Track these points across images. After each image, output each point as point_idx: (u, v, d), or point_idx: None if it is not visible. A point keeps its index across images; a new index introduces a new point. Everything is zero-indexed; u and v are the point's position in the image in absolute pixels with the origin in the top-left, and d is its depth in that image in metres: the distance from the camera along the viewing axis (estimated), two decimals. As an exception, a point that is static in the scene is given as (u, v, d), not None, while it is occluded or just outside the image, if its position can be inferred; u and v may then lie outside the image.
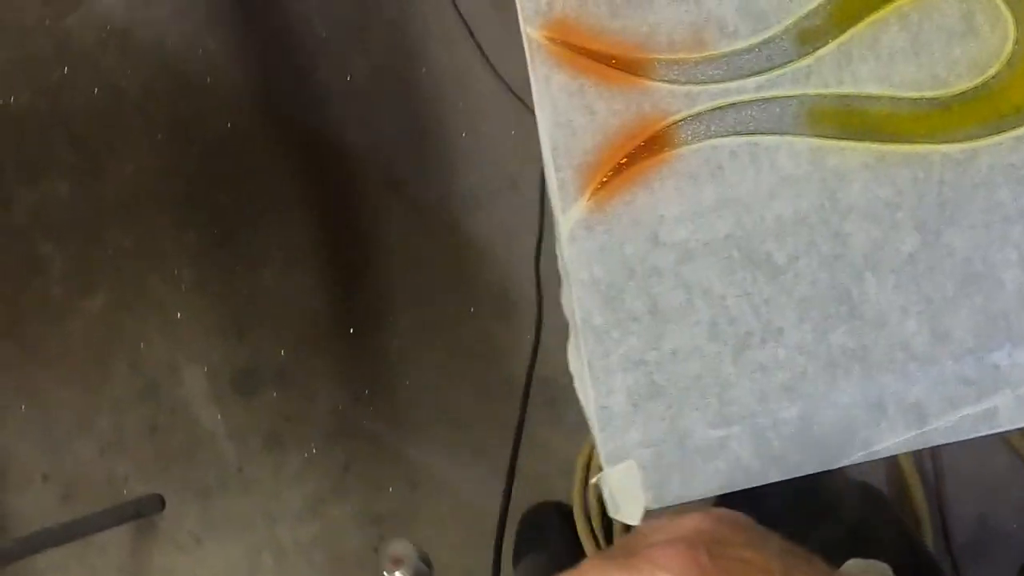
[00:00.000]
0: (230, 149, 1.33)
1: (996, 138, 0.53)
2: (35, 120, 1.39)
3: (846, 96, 0.54)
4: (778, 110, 0.54)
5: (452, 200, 1.34)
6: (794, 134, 0.54)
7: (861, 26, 0.54)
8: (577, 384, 0.57)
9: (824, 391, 0.54)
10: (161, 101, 1.33)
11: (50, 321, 1.40)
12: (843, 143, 0.54)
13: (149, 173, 1.33)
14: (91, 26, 1.33)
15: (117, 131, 1.35)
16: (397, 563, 0.50)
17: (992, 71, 0.53)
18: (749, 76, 0.55)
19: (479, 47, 1.24)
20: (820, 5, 0.54)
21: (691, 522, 0.38)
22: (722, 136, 0.55)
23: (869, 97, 0.54)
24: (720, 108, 0.55)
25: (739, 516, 0.39)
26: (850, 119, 0.54)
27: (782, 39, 0.54)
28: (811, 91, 0.54)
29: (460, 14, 1.24)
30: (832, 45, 0.54)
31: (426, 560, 0.52)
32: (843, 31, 0.54)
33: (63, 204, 1.36)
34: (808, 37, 0.54)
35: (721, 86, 0.55)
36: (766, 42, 0.55)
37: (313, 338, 1.31)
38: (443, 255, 1.34)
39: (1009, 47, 0.53)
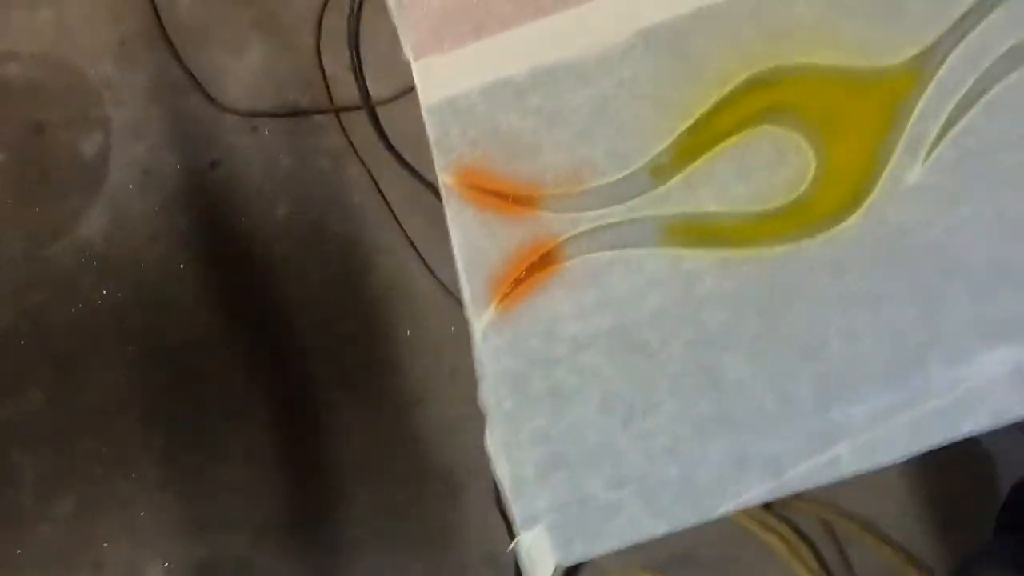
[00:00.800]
0: (197, 356, 1.46)
1: (811, 240, 0.69)
2: (16, 338, 1.50)
3: (693, 214, 0.70)
4: (641, 228, 0.70)
5: (399, 392, 1.47)
6: (656, 246, 0.70)
7: (700, 161, 0.70)
8: (494, 463, 0.70)
9: (698, 452, 0.67)
10: (134, 316, 1.47)
11: (20, 529, 1.46)
12: (695, 250, 0.70)
13: (122, 382, 1.45)
14: (71, 253, 1.48)
15: (93, 345, 1.48)
16: None
17: (802, 189, 0.69)
18: (618, 203, 0.71)
19: (420, 256, 1.43)
20: (667, 147, 0.71)
21: None
22: (599, 251, 0.70)
23: (710, 213, 0.70)
24: (596, 229, 0.71)
25: None
26: (698, 231, 0.70)
27: (641, 173, 0.71)
28: (666, 212, 0.70)
29: (403, 230, 1.43)
30: (679, 176, 0.71)
31: None
32: (687, 165, 0.71)
33: (38, 415, 1.47)
34: (660, 172, 0.71)
35: (596, 212, 0.71)
36: (629, 176, 0.71)
37: (272, 530, 1.41)
38: (392, 445, 1.45)
39: (812, 171, 0.70)
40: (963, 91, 0.67)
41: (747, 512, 1.12)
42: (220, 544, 1.41)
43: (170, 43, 1.43)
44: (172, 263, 1.47)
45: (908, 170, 0.67)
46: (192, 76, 1.44)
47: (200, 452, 1.44)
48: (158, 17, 1.47)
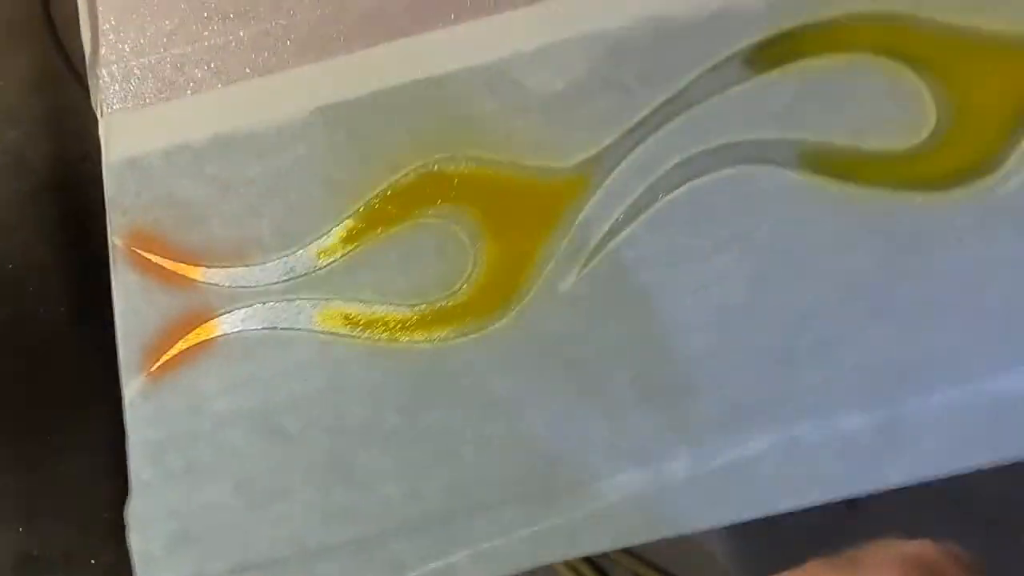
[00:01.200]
0: (52, 347, 1.48)
1: (461, 339, 0.68)
2: None
3: (349, 301, 0.69)
4: (297, 309, 0.69)
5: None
6: (309, 329, 0.69)
7: (364, 247, 0.69)
8: (128, 534, 0.70)
9: (323, 543, 0.67)
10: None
11: None
12: (346, 338, 0.69)
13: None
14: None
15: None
16: None
17: (457, 287, 0.68)
18: (278, 282, 0.70)
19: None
20: (333, 230, 0.70)
21: (918, 548, 0.38)
22: (254, 328, 0.70)
23: (366, 302, 0.69)
24: (254, 306, 0.70)
25: (966, 555, 0.39)
26: (352, 319, 0.69)
27: (304, 254, 0.70)
28: (323, 296, 0.69)
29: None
30: (342, 261, 0.70)
31: None
32: (350, 250, 0.70)
33: None
34: (324, 254, 0.70)
35: (255, 289, 0.70)
36: (292, 256, 0.70)
37: (101, 522, 1.43)
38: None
39: (470, 269, 0.68)
40: (628, 202, 0.65)
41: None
42: (46, 537, 1.42)
43: (54, 31, 1.42)
44: (34, 252, 1.47)
45: (563, 279, 0.65)
46: (72, 67, 1.43)
47: (35, 448, 1.45)
48: (46, 4, 1.46)
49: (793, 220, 0.63)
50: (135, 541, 0.67)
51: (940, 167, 0.63)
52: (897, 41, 0.64)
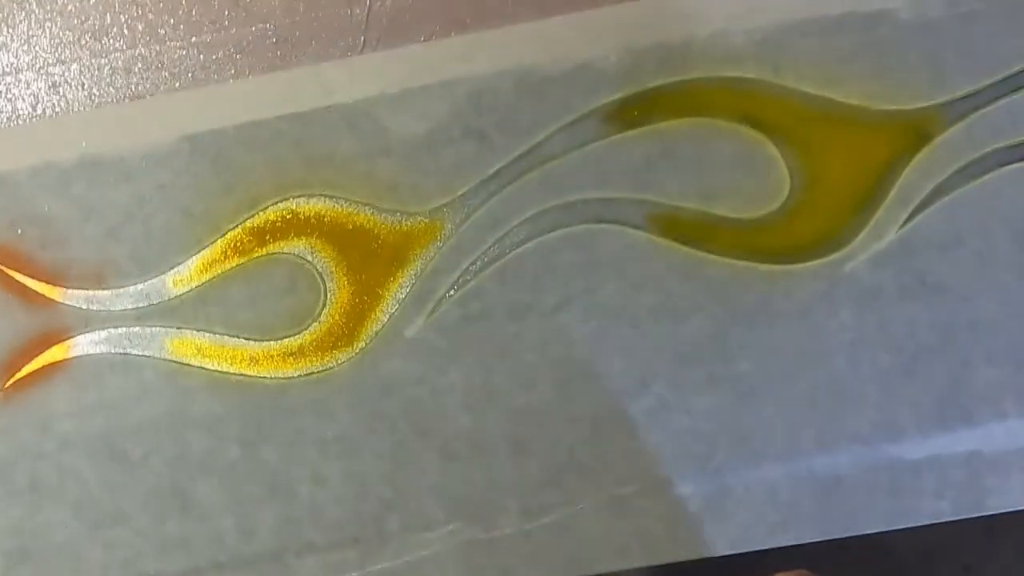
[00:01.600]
0: None
1: (304, 377, 0.68)
2: None
3: (198, 331, 0.70)
4: (149, 336, 0.70)
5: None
6: (158, 356, 0.70)
7: (217, 279, 0.70)
8: (-28, 542, 0.70)
9: (156, 569, 0.68)
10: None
11: None
12: (191, 368, 0.69)
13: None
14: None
15: None
16: None
17: (304, 324, 0.68)
18: (132, 306, 0.70)
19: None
20: (189, 260, 0.70)
21: None
22: (106, 351, 0.70)
23: (216, 334, 0.69)
24: (107, 330, 0.70)
25: None
26: (198, 349, 0.69)
27: (159, 282, 0.70)
28: (174, 324, 0.70)
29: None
30: (195, 291, 0.70)
31: None
32: (203, 281, 0.70)
33: None
34: (178, 283, 0.70)
35: (112, 313, 0.71)
36: (147, 282, 0.71)
37: None
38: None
39: (318, 307, 0.69)
40: (477, 253, 0.65)
41: None
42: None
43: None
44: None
45: (410, 324, 0.65)
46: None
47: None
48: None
49: (638, 282, 0.63)
50: (-24, 556, 0.68)
51: (789, 239, 0.63)
52: (754, 108, 0.64)
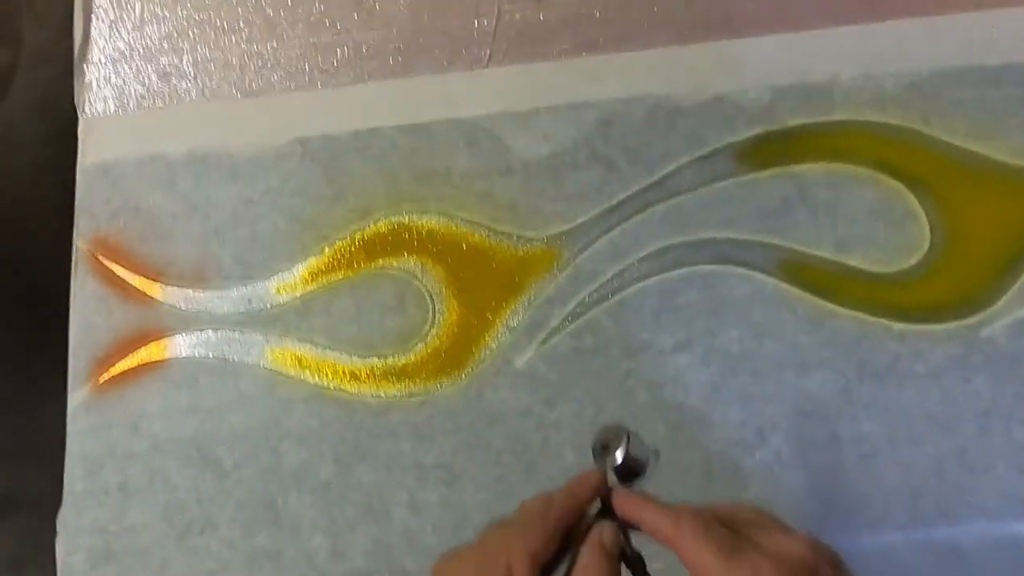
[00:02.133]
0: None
1: (407, 399, 0.66)
2: None
3: (301, 342, 0.68)
4: (248, 342, 0.68)
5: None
6: (257, 363, 0.68)
7: (321, 290, 0.68)
8: (57, 541, 0.69)
9: (242, 582, 0.66)
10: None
11: None
12: (293, 378, 0.67)
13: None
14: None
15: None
16: (606, 448, 0.43)
17: (411, 345, 0.66)
18: (233, 311, 0.68)
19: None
20: (294, 268, 0.68)
21: (798, 548, 0.37)
22: (203, 354, 0.68)
23: (318, 345, 0.67)
24: (206, 332, 0.69)
25: (837, 557, 0.38)
26: (301, 360, 0.67)
27: (262, 287, 0.68)
28: (275, 332, 0.68)
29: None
30: (298, 300, 0.68)
31: (643, 444, 0.44)
32: (307, 291, 0.68)
33: None
34: (282, 291, 0.68)
35: (211, 315, 0.69)
36: (250, 287, 0.69)
37: None
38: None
39: (426, 328, 0.66)
40: (595, 285, 0.63)
41: None
42: (24, 477, 1.43)
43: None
44: (52, 193, 1.47)
45: (520, 354, 0.63)
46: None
47: (28, 383, 1.45)
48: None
49: (762, 330, 0.61)
50: (61, 550, 0.67)
51: (925, 297, 0.60)
52: (899, 157, 0.61)
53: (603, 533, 0.40)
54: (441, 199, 0.65)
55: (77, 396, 0.67)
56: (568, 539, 0.40)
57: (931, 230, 0.60)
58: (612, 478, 0.44)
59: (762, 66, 0.63)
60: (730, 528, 0.38)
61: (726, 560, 0.36)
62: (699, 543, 0.37)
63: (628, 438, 0.44)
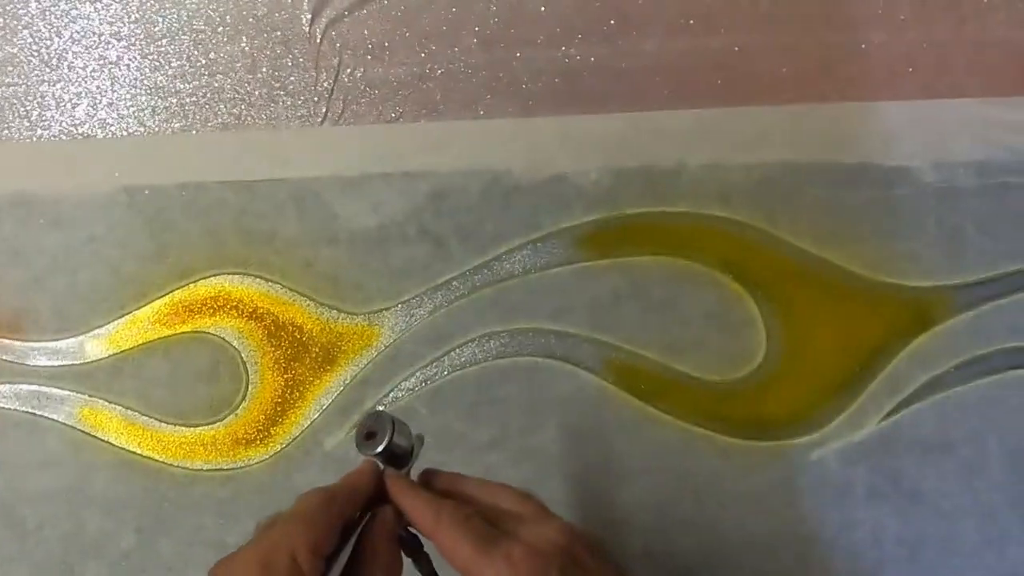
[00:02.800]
0: None
1: (216, 472, 0.62)
2: None
3: (112, 403, 0.64)
4: (59, 400, 0.64)
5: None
6: (67, 423, 0.64)
7: (136, 350, 0.64)
8: None
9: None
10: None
11: None
12: (104, 444, 0.64)
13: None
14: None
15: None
16: (371, 436, 0.44)
17: (223, 415, 0.62)
18: (46, 366, 0.65)
19: None
20: (110, 324, 0.64)
21: (553, 533, 0.39)
22: (12, 408, 0.65)
23: (130, 409, 0.64)
24: (18, 385, 0.65)
25: (597, 541, 0.40)
26: (114, 425, 0.64)
27: (76, 343, 0.65)
28: (86, 390, 0.64)
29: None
30: (111, 358, 0.64)
31: (407, 431, 0.45)
32: (121, 350, 0.64)
33: None
34: (96, 347, 0.64)
35: (24, 367, 0.65)
36: (63, 342, 0.65)
37: None
38: None
39: (237, 399, 0.62)
40: (416, 367, 0.60)
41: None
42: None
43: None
44: None
45: (330, 435, 0.60)
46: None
47: None
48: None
49: (581, 432, 0.56)
50: None
51: (755, 411, 0.55)
52: (743, 258, 0.56)
53: (382, 516, 0.41)
54: (263, 264, 0.61)
55: None
56: (349, 531, 0.40)
57: (768, 339, 0.55)
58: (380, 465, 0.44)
59: (607, 145, 0.58)
60: (491, 520, 0.40)
61: (482, 552, 0.37)
62: (456, 535, 0.38)
63: (393, 425, 0.43)
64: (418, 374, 0.59)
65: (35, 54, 0.65)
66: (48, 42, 0.65)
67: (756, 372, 0.56)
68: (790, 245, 0.56)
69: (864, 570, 0.54)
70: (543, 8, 0.59)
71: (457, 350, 0.59)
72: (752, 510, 0.55)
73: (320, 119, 0.62)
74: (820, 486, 0.55)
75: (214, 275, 0.62)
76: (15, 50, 0.65)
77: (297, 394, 0.60)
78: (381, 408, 0.44)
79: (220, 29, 0.63)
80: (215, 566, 0.39)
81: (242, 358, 0.61)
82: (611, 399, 0.57)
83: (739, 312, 0.56)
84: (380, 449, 0.43)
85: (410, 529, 0.42)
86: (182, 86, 0.63)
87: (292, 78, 0.62)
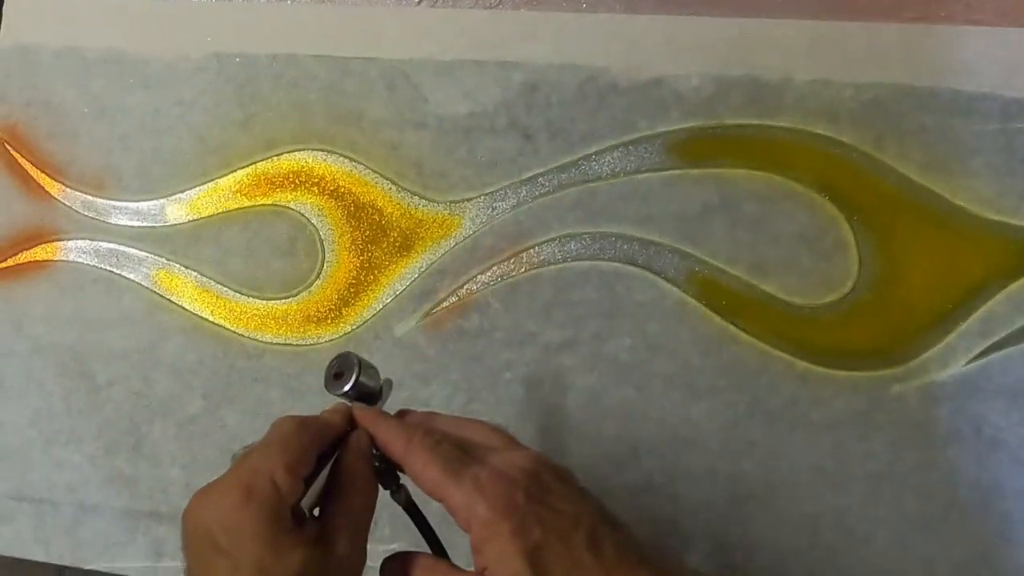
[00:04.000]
0: None
1: (284, 346, 0.63)
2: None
3: (186, 268, 0.64)
4: (135, 260, 0.65)
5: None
6: (141, 284, 0.65)
7: (215, 217, 0.64)
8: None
9: (97, 501, 0.64)
10: None
11: None
12: (178, 308, 0.64)
13: None
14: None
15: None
16: (339, 376, 0.44)
17: (296, 291, 0.63)
18: (126, 226, 0.65)
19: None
20: (192, 189, 0.64)
21: (521, 460, 0.39)
22: (90, 264, 0.66)
23: (204, 275, 0.64)
24: (96, 241, 0.66)
25: (564, 469, 0.40)
26: (189, 290, 0.64)
27: (157, 204, 0.65)
28: (164, 253, 0.65)
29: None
30: (191, 224, 0.64)
31: (374, 373, 0.45)
32: (201, 216, 0.64)
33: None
34: (176, 212, 0.65)
35: (104, 225, 0.66)
36: (146, 201, 0.65)
37: None
38: None
39: (312, 277, 0.62)
40: (493, 261, 0.59)
41: None
42: None
43: None
44: None
45: (401, 322, 0.60)
46: None
47: None
48: None
49: (656, 343, 0.55)
50: (-68, 430, 0.65)
51: (839, 339, 0.53)
52: (843, 180, 0.53)
53: (356, 438, 0.42)
54: (349, 143, 0.60)
55: (-33, 285, 0.65)
56: (323, 460, 0.41)
57: (860, 266, 0.53)
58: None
59: (712, 51, 0.56)
60: (461, 448, 0.40)
61: (451, 474, 0.38)
62: (426, 459, 0.39)
63: (359, 365, 0.44)
64: (495, 268, 0.58)
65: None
66: None
67: (844, 299, 0.54)
68: (895, 172, 0.53)
69: (933, 512, 0.52)
70: None
71: (537, 248, 0.57)
72: (824, 440, 0.53)
73: (418, 0, 0.60)
74: (898, 422, 0.53)
75: (299, 150, 0.61)
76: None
77: (372, 277, 0.60)
78: (348, 350, 0.44)
79: None
80: (195, 497, 0.40)
81: (320, 236, 0.61)
82: (690, 313, 0.55)
83: (833, 236, 0.54)
84: (347, 388, 0.44)
85: (385, 460, 0.42)
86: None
87: (393, -46, 0.60)
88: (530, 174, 0.58)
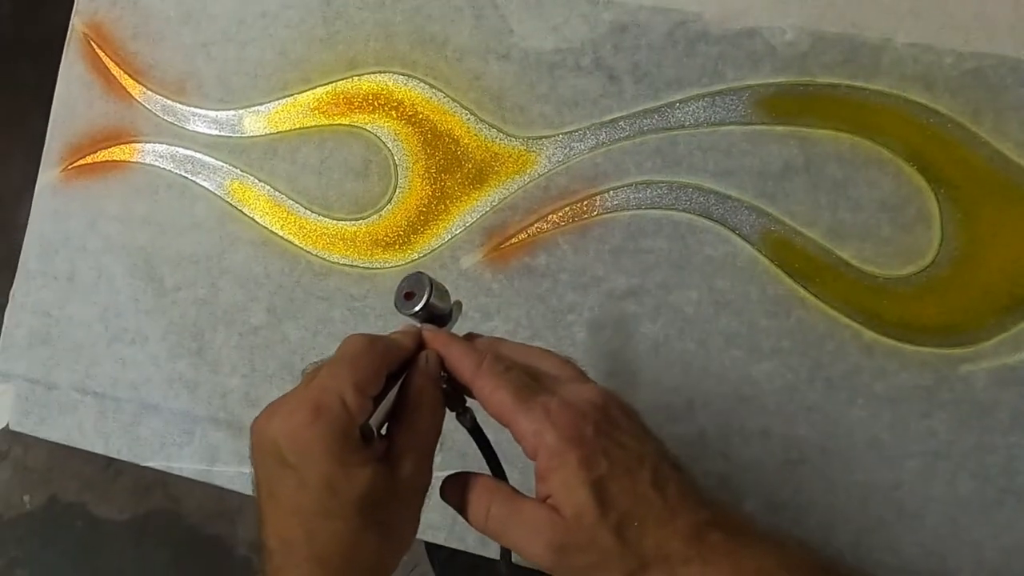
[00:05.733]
0: None
1: (351, 268, 0.63)
2: None
3: (262, 181, 0.65)
4: (212, 168, 0.66)
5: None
6: (216, 192, 0.66)
7: (292, 132, 0.64)
8: (7, 311, 0.71)
9: (157, 400, 0.66)
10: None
11: None
12: (249, 219, 0.65)
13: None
14: None
15: None
16: (410, 296, 0.44)
17: (367, 214, 0.63)
18: (204, 132, 0.66)
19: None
20: (271, 102, 0.65)
21: (590, 393, 0.39)
22: (168, 168, 0.67)
23: (278, 189, 0.65)
24: (174, 146, 0.67)
25: (631, 408, 0.40)
26: (261, 203, 0.65)
27: (236, 115, 0.65)
28: (240, 164, 0.65)
29: None
30: (268, 137, 0.65)
31: (445, 294, 0.45)
32: (278, 130, 0.65)
33: None
34: (254, 124, 0.65)
35: (182, 130, 0.66)
36: (224, 113, 0.66)
37: None
38: None
39: (383, 202, 0.63)
40: (566, 201, 0.59)
41: None
42: None
43: None
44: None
45: (468, 254, 0.60)
46: None
47: None
48: None
49: (723, 299, 0.55)
50: (7, 320, 0.67)
51: (910, 313, 0.52)
52: (933, 151, 0.52)
53: (425, 358, 0.41)
54: (431, 69, 0.60)
55: (46, 177, 0.66)
56: (392, 379, 0.40)
57: (941, 241, 0.52)
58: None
59: (810, 5, 0.54)
60: (531, 375, 0.40)
61: (521, 400, 0.38)
62: (496, 383, 0.39)
63: (431, 286, 0.43)
64: (567, 209, 0.57)
65: None
66: None
67: (921, 273, 0.52)
68: (989, 146, 0.52)
69: (988, 496, 0.52)
70: None
71: (611, 192, 0.57)
72: (884, 412, 0.52)
73: (513, -74, 0.58)
74: (962, 402, 0.52)
75: (380, 72, 0.61)
76: None
77: (443, 207, 0.59)
78: (420, 271, 0.43)
79: None
80: (264, 411, 0.39)
81: (394, 160, 0.60)
82: (761, 272, 0.54)
83: (917, 207, 0.53)
84: (418, 308, 0.43)
85: (453, 383, 0.41)
86: None
87: None
88: (611, 117, 0.57)
